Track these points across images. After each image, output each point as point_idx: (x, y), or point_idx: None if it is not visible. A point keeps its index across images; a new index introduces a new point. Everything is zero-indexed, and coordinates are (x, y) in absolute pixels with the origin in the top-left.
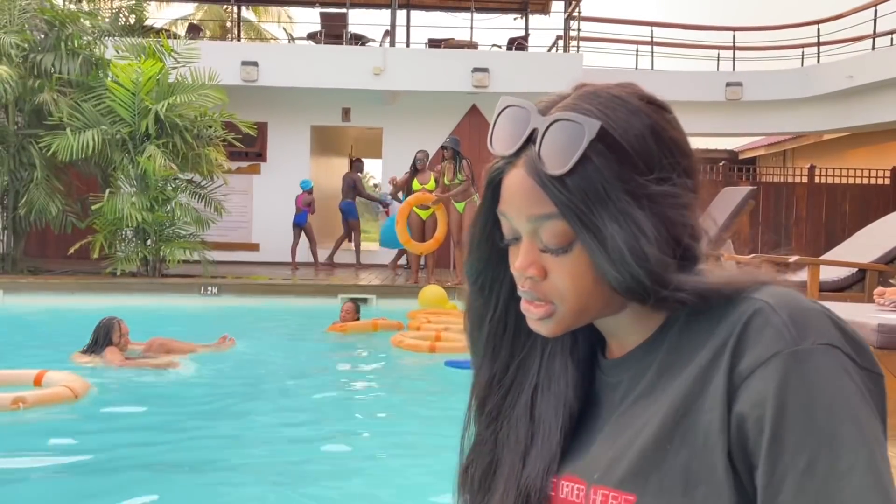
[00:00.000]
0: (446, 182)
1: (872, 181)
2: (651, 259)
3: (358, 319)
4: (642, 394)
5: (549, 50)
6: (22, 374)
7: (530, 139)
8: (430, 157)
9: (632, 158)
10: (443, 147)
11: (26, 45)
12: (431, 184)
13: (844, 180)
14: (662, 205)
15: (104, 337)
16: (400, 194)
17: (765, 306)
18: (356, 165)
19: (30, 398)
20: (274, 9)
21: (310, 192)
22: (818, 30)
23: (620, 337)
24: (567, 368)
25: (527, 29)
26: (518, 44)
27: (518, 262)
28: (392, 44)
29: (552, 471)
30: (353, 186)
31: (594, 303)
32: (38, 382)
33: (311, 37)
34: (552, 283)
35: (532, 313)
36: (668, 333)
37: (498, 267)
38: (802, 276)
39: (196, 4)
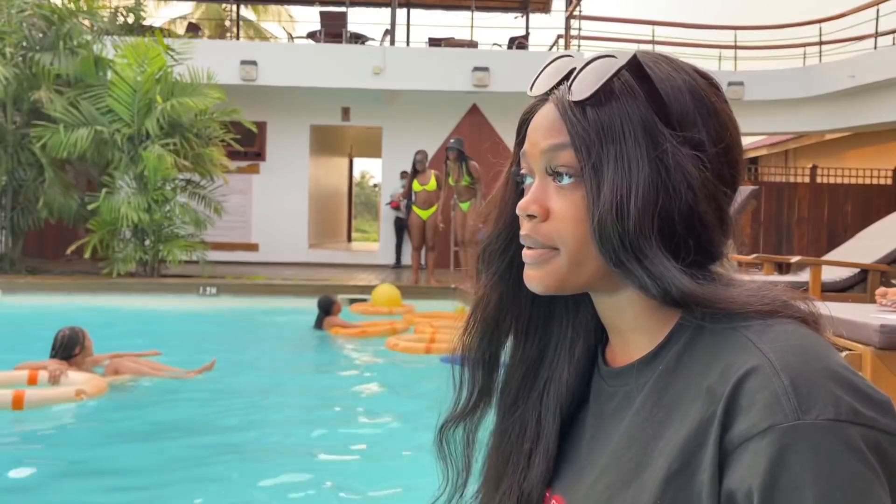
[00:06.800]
0: (451, 183)
1: (874, 181)
2: (630, 219)
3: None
4: (634, 423)
5: (550, 49)
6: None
7: (566, 78)
8: (430, 157)
9: (664, 107)
10: (448, 149)
11: (15, 44)
12: (432, 184)
13: (846, 180)
14: (680, 169)
15: (63, 349)
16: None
17: (764, 365)
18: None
19: (89, 389)
20: (273, 7)
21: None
22: (820, 29)
23: (624, 335)
24: (567, 367)
25: (527, 28)
26: (519, 43)
27: (523, 199)
28: (392, 43)
29: (547, 479)
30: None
31: (591, 260)
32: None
33: (311, 36)
34: (553, 225)
35: (527, 258)
36: (668, 351)
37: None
38: (804, 276)
39: (195, 3)
